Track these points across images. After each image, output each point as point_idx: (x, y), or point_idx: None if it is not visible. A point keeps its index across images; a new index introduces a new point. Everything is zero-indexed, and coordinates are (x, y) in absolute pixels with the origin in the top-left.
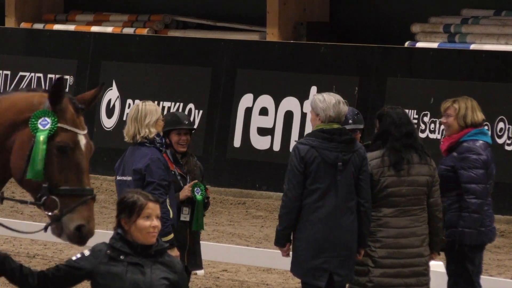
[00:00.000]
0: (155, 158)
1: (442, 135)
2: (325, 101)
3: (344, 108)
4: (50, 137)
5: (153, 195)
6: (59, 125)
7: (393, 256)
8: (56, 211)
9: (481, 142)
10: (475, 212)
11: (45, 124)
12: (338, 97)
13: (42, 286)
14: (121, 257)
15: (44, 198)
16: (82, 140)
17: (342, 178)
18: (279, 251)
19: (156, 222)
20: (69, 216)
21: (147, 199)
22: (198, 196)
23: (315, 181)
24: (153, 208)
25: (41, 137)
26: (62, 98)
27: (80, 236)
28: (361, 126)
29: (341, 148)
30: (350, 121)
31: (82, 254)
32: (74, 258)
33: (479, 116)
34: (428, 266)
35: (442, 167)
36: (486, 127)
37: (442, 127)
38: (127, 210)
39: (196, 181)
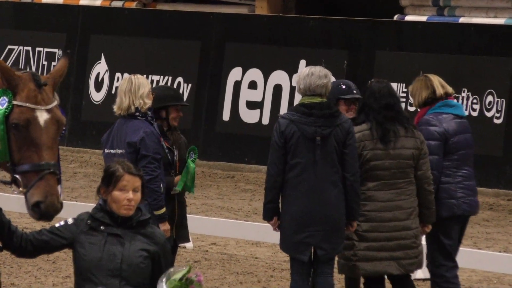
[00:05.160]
0: (149, 132)
1: None
2: (300, 74)
3: (320, 80)
4: (8, 116)
5: (136, 168)
6: (14, 102)
7: (377, 229)
8: (21, 189)
9: (444, 114)
10: (434, 184)
11: (3, 103)
12: (317, 69)
13: (23, 247)
14: (101, 227)
15: (12, 177)
16: (43, 115)
17: (322, 152)
18: (268, 224)
19: (132, 195)
20: (30, 193)
21: (125, 171)
22: (190, 161)
23: (295, 155)
24: (129, 180)
25: None
26: (11, 76)
27: (39, 212)
28: (361, 97)
29: (320, 122)
30: (355, 91)
31: (66, 222)
32: (57, 225)
33: (423, 95)
34: (417, 239)
35: None
36: (454, 99)
37: None
38: (106, 180)
39: (194, 146)
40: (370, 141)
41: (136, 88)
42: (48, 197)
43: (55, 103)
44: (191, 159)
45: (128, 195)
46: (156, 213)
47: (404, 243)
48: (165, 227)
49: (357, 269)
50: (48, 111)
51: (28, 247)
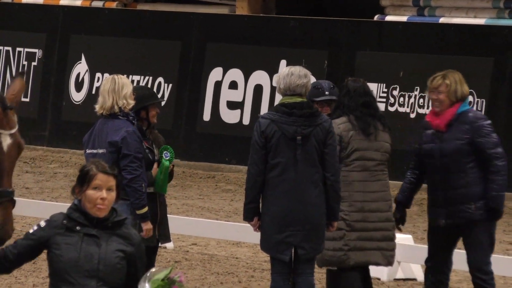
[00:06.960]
0: (131, 131)
1: (411, 108)
2: (280, 74)
3: (299, 80)
4: None
5: (110, 167)
6: None
7: (365, 219)
8: None
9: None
10: (505, 174)
11: None
12: (297, 69)
13: (2, 263)
14: (77, 228)
15: None
16: (6, 140)
17: (303, 152)
18: (249, 225)
19: (105, 194)
20: None
21: (99, 170)
22: (164, 160)
23: (276, 155)
24: (102, 179)
25: None
26: None
27: None
28: (334, 97)
29: (301, 122)
30: (327, 92)
31: (38, 225)
32: (31, 231)
33: (466, 89)
34: (395, 231)
35: (458, 142)
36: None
37: (412, 100)
38: (80, 179)
39: (167, 145)
40: (354, 131)
41: (120, 88)
42: (4, 226)
43: (17, 127)
44: (167, 158)
45: (101, 194)
46: (138, 212)
47: (387, 234)
48: (147, 226)
49: (348, 258)
50: (11, 135)
51: (6, 264)
